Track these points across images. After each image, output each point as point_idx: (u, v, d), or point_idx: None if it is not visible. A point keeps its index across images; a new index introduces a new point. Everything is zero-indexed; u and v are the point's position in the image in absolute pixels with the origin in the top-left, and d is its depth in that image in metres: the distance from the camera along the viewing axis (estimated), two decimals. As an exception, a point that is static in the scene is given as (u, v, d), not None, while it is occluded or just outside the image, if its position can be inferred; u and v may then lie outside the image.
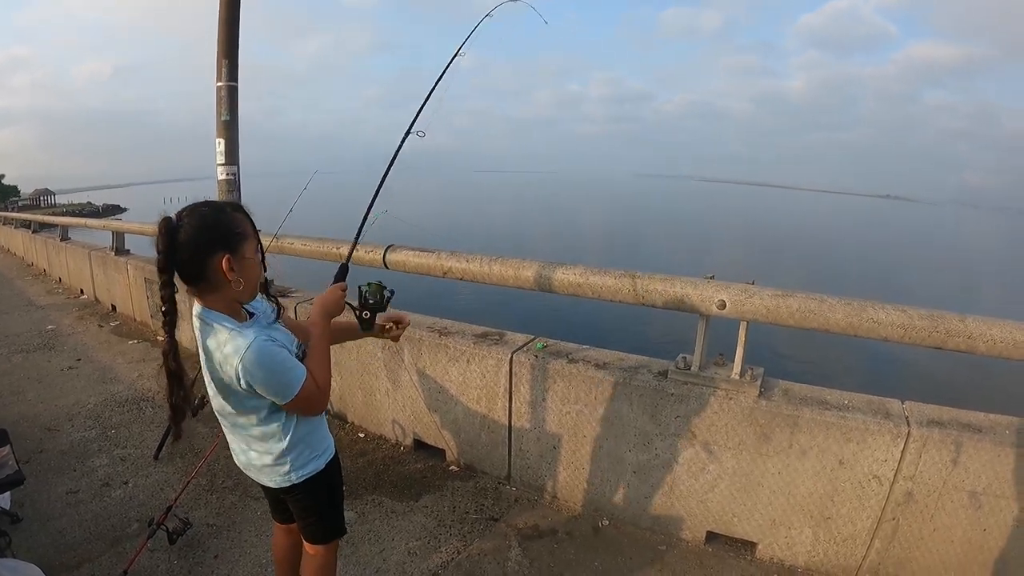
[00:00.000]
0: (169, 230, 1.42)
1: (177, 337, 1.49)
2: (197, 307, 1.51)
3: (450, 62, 2.43)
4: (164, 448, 3.48)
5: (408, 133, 2.37)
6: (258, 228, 1.57)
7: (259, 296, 1.65)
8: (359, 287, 1.88)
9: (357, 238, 2.38)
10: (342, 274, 2.07)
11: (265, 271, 1.62)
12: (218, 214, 1.48)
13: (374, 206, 2.28)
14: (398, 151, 2.36)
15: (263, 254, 1.58)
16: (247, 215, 1.54)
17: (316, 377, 1.57)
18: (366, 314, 1.87)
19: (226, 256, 1.44)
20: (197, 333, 1.52)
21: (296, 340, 1.69)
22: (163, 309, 1.45)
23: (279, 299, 1.73)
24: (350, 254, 2.40)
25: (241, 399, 1.54)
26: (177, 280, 1.46)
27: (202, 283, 1.47)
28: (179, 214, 1.46)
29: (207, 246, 1.44)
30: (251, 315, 1.61)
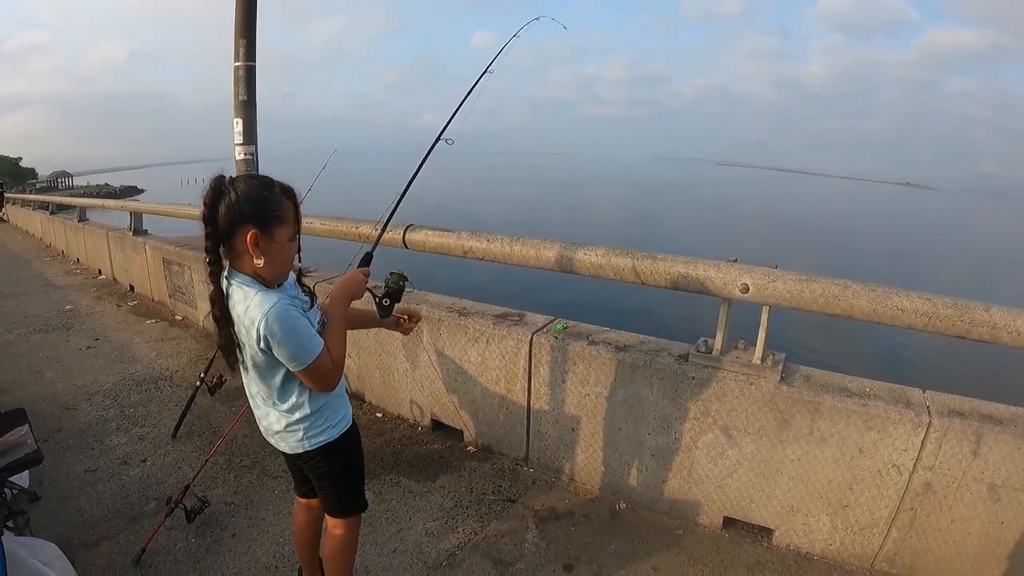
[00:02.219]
0: (218, 187, 1.47)
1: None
2: (227, 268, 1.56)
3: (479, 79, 2.46)
4: (182, 427, 3.52)
5: (438, 140, 2.39)
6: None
7: (291, 280, 1.69)
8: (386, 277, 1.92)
9: (387, 223, 2.40)
10: (367, 260, 2.09)
11: (300, 263, 1.66)
12: (264, 190, 1.51)
13: (402, 199, 2.30)
14: (427, 157, 2.40)
15: (299, 246, 1.61)
16: (295, 204, 1.57)
17: (332, 352, 1.61)
18: (386, 301, 1.91)
19: (253, 231, 1.47)
20: (226, 291, 1.56)
21: (319, 315, 1.73)
22: (208, 259, 1.50)
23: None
24: (378, 240, 2.39)
25: (258, 362, 1.59)
26: None
27: (228, 248, 1.52)
28: (233, 178, 1.50)
29: (241, 216, 1.47)
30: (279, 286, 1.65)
